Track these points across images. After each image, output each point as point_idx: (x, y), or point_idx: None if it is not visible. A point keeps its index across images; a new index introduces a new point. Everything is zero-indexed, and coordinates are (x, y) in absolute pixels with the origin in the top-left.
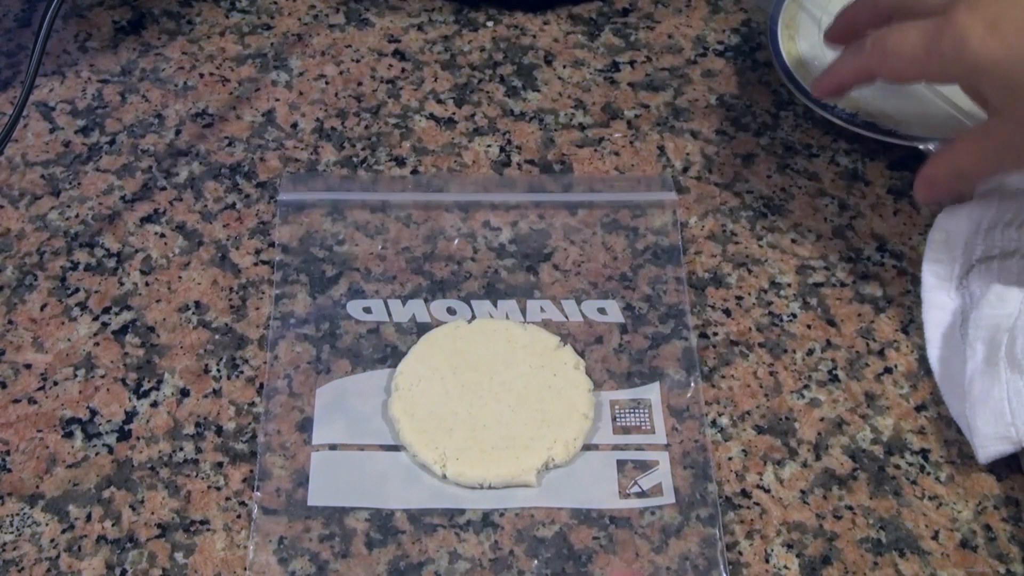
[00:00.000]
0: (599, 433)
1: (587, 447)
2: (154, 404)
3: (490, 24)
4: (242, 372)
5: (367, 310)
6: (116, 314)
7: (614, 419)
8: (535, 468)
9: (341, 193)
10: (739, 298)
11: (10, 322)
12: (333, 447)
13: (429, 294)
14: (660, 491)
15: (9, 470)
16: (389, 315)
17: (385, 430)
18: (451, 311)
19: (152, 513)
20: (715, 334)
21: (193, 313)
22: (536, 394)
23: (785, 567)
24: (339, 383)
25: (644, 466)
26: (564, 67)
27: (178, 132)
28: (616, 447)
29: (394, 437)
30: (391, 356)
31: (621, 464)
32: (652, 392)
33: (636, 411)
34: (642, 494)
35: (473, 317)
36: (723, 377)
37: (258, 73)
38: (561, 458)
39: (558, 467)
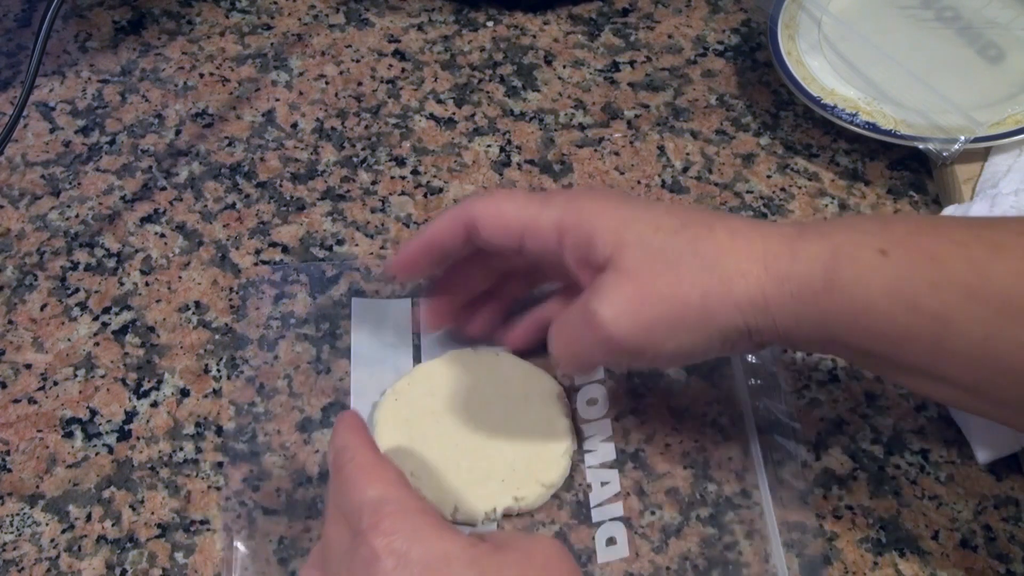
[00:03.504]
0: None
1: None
2: (154, 404)
3: (490, 24)
4: (242, 372)
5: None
6: (116, 314)
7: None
8: (496, 510)
9: None
10: None
11: (10, 322)
12: None
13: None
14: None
15: (9, 470)
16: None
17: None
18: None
19: (152, 513)
20: None
21: (193, 313)
22: (514, 430)
23: (786, 567)
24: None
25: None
26: (564, 67)
27: (178, 132)
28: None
29: None
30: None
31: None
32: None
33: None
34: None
35: None
36: (723, 377)
37: (258, 73)
38: (529, 503)
39: (522, 513)
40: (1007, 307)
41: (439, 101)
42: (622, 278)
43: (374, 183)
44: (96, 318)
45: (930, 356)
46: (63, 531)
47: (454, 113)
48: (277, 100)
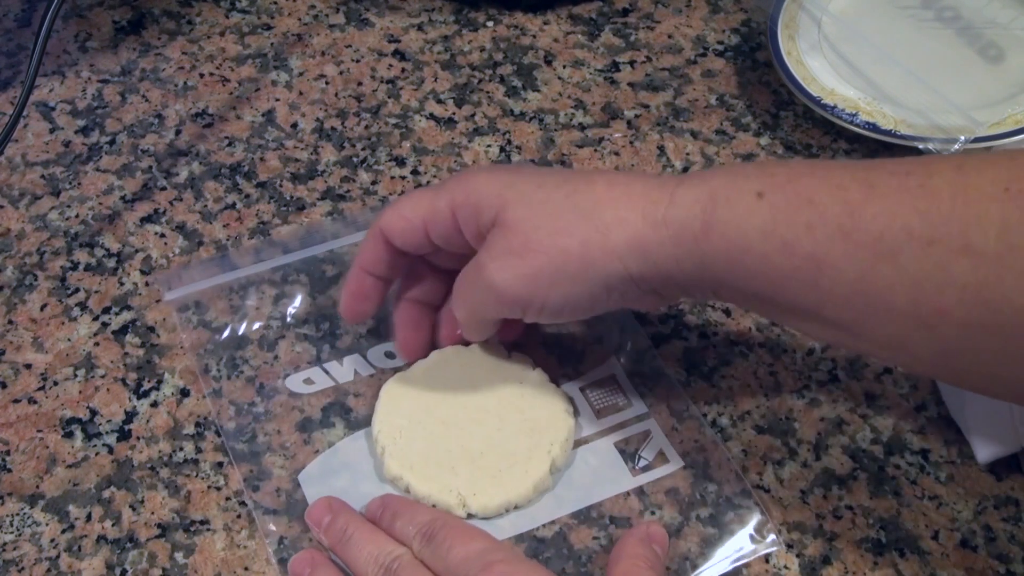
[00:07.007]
0: (585, 424)
1: (580, 441)
2: (154, 404)
3: (490, 24)
4: (242, 372)
5: (308, 381)
6: (116, 314)
7: (591, 405)
8: (546, 471)
9: (223, 275)
10: None
11: (10, 322)
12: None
13: (359, 350)
14: (664, 458)
15: (9, 470)
16: (332, 378)
17: (390, 491)
18: (390, 355)
19: (152, 513)
20: (715, 334)
21: (193, 313)
22: (513, 406)
23: (785, 567)
24: (319, 462)
25: (639, 439)
26: (564, 67)
27: (178, 132)
28: (605, 431)
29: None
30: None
31: (619, 445)
32: (614, 368)
33: (607, 390)
34: (648, 466)
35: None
36: (723, 377)
37: (258, 73)
38: (562, 458)
39: (559, 469)
40: (879, 247)
41: (439, 101)
42: (507, 231)
43: (374, 183)
44: (96, 318)
45: (808, 296)
46: (63, 531)
47: (454, 113)
48: (277, 100)
